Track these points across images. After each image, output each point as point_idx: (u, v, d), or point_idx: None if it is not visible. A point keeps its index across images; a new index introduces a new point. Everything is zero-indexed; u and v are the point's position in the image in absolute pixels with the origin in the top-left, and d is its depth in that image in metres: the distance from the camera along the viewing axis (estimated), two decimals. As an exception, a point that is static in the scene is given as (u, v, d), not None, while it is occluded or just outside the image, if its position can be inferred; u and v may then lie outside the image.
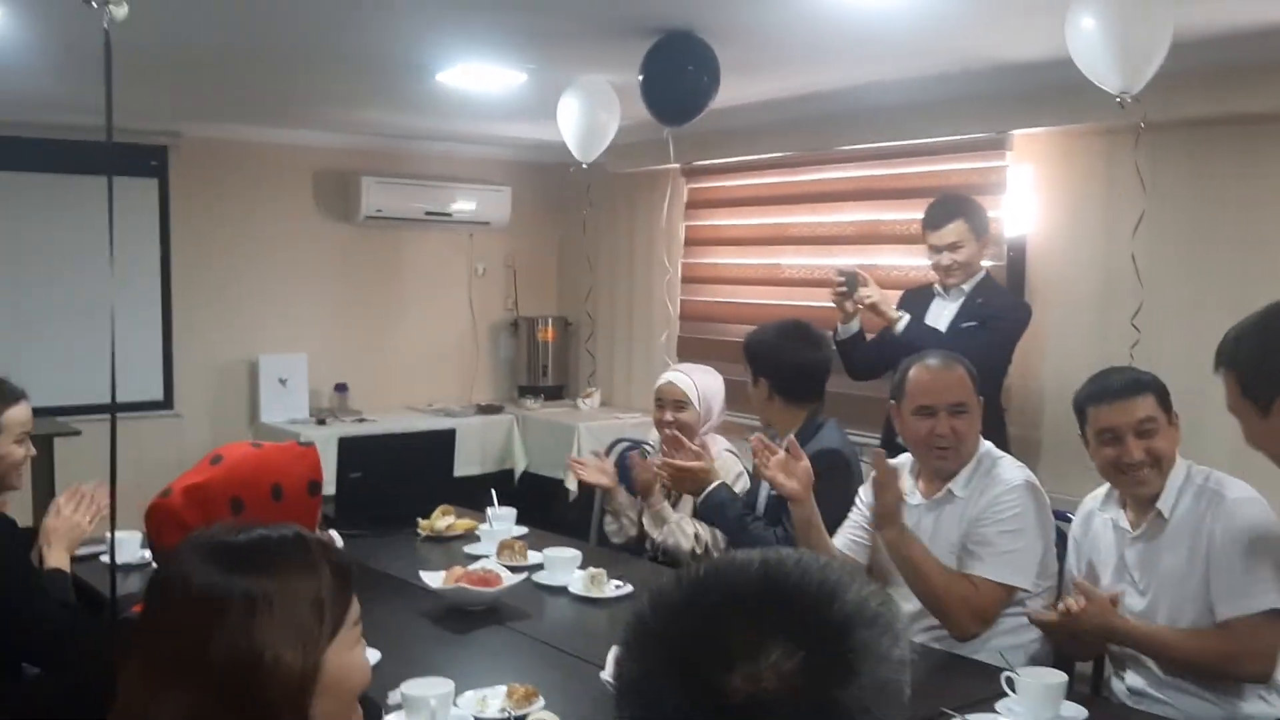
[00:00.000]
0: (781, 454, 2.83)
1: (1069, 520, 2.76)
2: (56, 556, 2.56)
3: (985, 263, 4.19)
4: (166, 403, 6.04)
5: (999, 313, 3.98)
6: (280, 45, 3.90)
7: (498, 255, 6.95)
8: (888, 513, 2.59)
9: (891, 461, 2.94)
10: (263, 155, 6.17)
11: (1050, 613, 2.41)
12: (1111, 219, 4.20)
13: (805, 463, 2.80)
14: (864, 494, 2.91)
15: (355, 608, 1.40)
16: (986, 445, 2.78)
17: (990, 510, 2.62)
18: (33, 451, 2.66)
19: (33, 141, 5.47)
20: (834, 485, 2.99)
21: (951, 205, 4.03)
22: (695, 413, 3.45)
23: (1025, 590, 2.59)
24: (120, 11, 1.63)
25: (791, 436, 3.02)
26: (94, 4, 1.58)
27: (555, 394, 6.82)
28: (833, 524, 2.89)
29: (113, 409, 1.93)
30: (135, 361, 5.90)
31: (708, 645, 0.84)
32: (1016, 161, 4.55)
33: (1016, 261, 4.58)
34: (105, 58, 1.57)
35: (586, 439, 5.95)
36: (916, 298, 4.15)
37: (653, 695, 0.85)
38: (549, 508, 5.86)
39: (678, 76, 3.72)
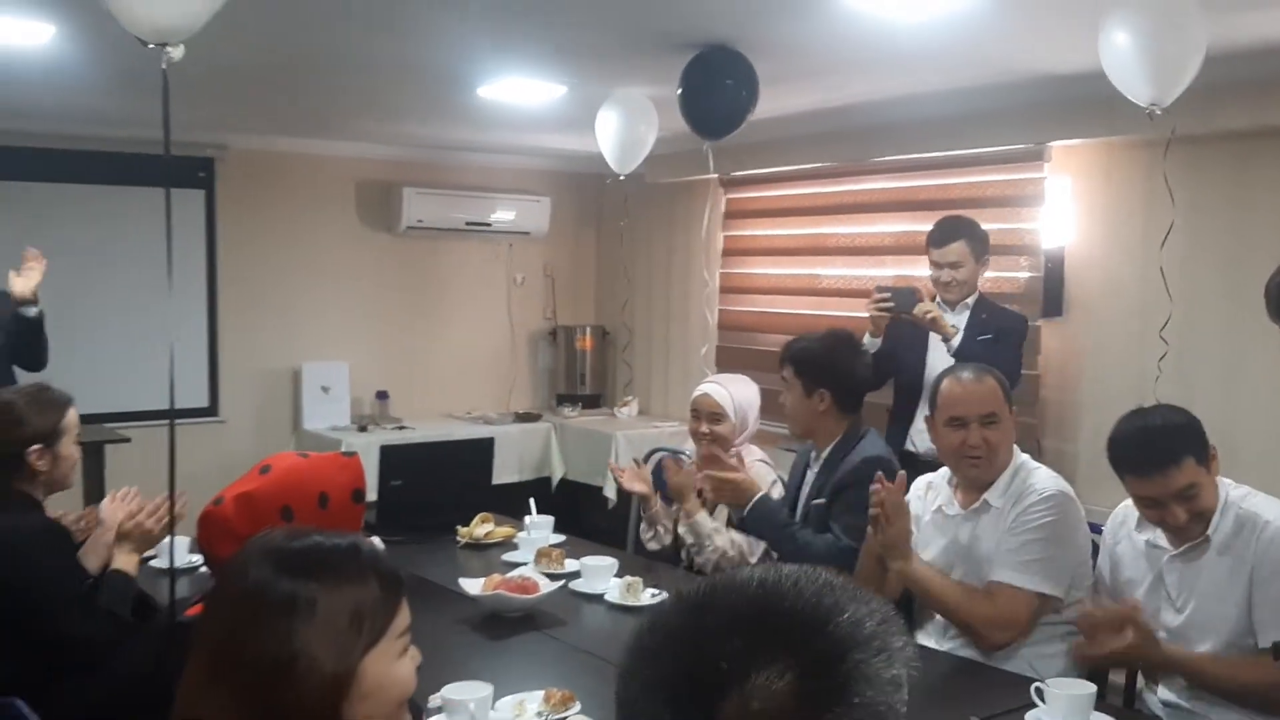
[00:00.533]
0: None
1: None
2: (125, 559, 2.62)
3: (1025, 274, 4.21)
4: (212, 409, 6.15)
5: (1011, 324, 4.08)
6: (325, 59, 3.99)
7: (536, 265, 7.03)
8: (893, 545, 2.62)
9: (929, 476, 2.96)
10: (307, 166, 6.29)
11: (1090, 647, 2.38)
12: (1149, 231, 4.20)
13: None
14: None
15: (403, 620, 1.43)
16: (1023, 457, 2.79)
17: (1022, 518, 2.64)
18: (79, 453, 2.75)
19: (87, 154, 5.60)
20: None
21: (955, 225, 4.13)
22: (731, 424, 3.48)
23: (1057, 598, 2.60)
24: (176, 53, 1.71)
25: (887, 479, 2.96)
26: (151, 46, 1.65)
27: (593, 403, 6.88)
28: None
29: (170, 415, 2.01)
30: (181, 369, 5.94)
31: (701, 666, 0.85)
32: (1054, 173, 4.55)
33: (1054, 273, 4.57)
34: (164, 97, 1.64)
35: (624, 447, 5.99)
36: None
37: (648, 715, 0.86)
38: (586, 515, 5.91)
39: (716, 90, 3.76)
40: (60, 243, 5.34)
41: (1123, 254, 4.39)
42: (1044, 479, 2.72)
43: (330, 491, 1.92)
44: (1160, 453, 2.37)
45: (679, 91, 3.77)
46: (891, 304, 4.05)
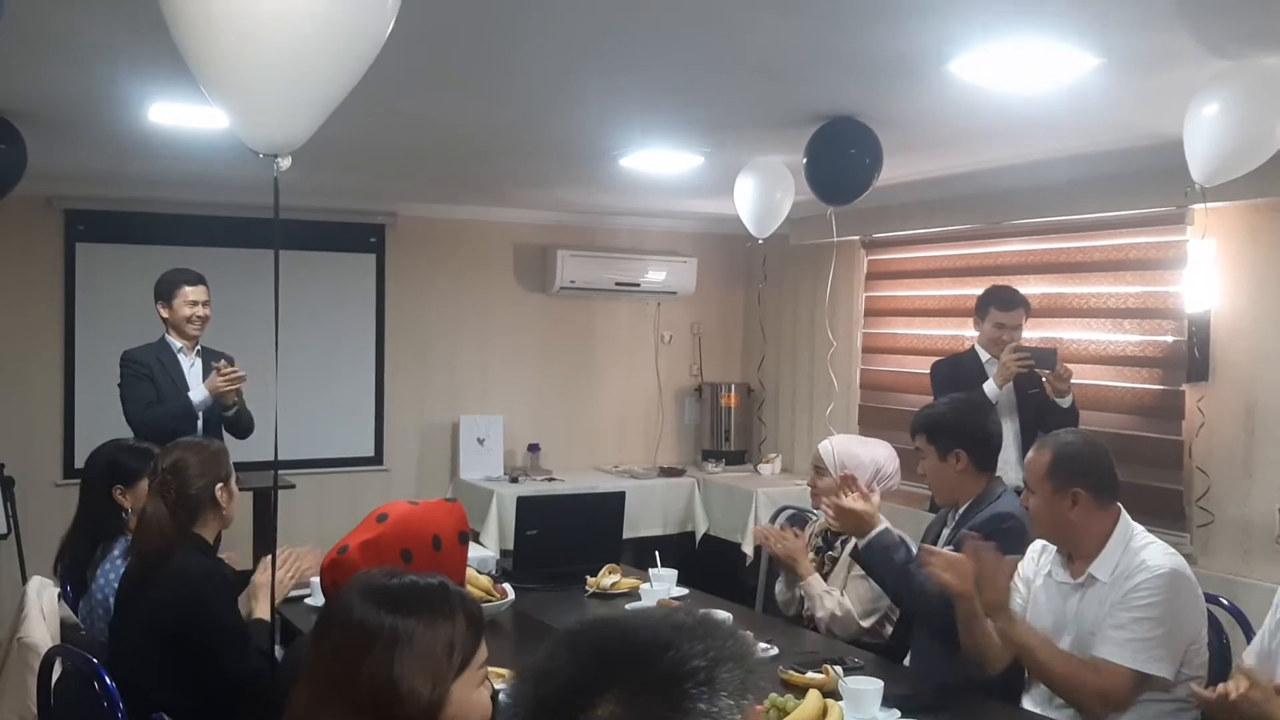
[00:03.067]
0: (946, 553, 2.87)
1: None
2: (262, 609, 2.91)
3: (1169, 338, 4.56)
4: (377, 458, 6.54)
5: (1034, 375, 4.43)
6: (485, 135, 4.31)
7: (683, 323, 7.23)
8: (992, 605, 2.67)
9: (1043, 540, 2.96)
10: (468, 231, 6.68)
11: (1211, 692, 2.37)
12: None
13: (965, 559, 2.81)
14: (1021, 568, 2.95)
15: (483, 652, 1.62)
16: (1134, 530, 2.74)
17: (1131, 595, 2.61)
18: None
19: (264, 222, 6.01)
20: (1010, 548, 3.00)
21: (1019, 294, 4.62)
22: (830, 481, 3.52)
23: (1163, 678, 2.57)
24: (285, 163, 1.97)
25: (968, 533, 3.01)
26: (261, 155, 1.92)
27: (737, 459, 6.99)
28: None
29: (274, 465, 2.24)
30: (351, 420, 6.45)
31: (551, 695, 1.01)
32: (1198, 236, 4.47)
33: (1199, 337, 4.47)
34: (274, 201, 1.90)
35: (764, 504, 6.07)
36: (968, 364, 4.56)
37: None
38: (728, 571, 5.99)
39: (840, 159, 3.87)
40: (238, 302, 5.81)
41: (1272, 317, 4.26)
42: (1157, 556, 2.67)
43: (442, 534, 2.13)
44: None
45: (804, 160, 3.91)
46: (1032, 362, 4.33)
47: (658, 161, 4.65)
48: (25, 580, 3.38)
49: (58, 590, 2.96)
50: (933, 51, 2.95)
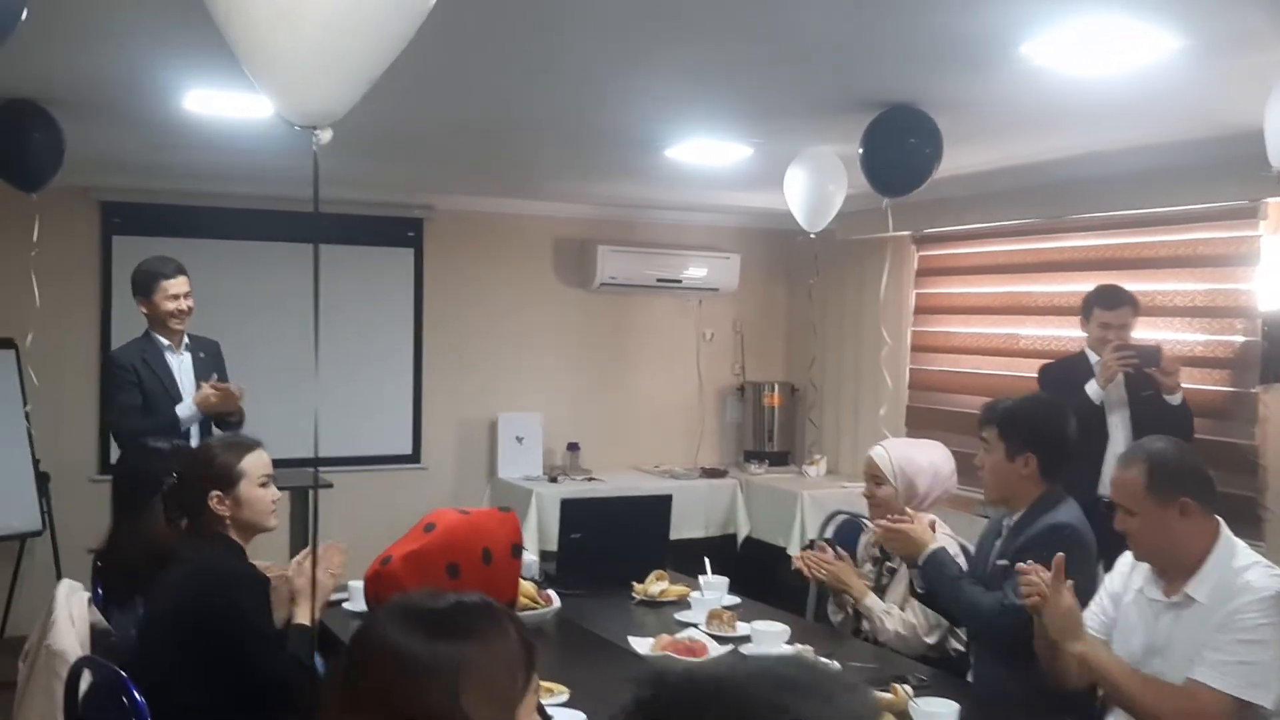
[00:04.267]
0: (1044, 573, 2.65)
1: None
2: (302, 613, 2.76)
3: (1240, 337, 4.35)
4: (414, 456, 6.44)
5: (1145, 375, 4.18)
6: (526, 124, 4.18)
7: (726, 321, 7.07)
8: (1061, 628, 2.52)
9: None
10: (507, 225, 6.56)
11: None
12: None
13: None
14: (1109, 582, 2.78)
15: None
16: (1237, 547, 2.55)
17: (1233, 618, 2.42)
18: (277, 494, 2.82)
19: (302, 215, 5.93)
20: (1068, 558, 2.84)
21: (1123, 291, 4.36)
22: (891, 489, 3.36)
23: (1264, 707, 2.38)
24: (325, 135, 1.81)
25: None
26: (298, 128, 1.78)
27: (780, 460, 6.82)
28: None
29: (315, 462, 2.11)
30: (388, 417, 6.36)
31: None
32: (1271, 231, 4.27)
33: (1273, 336, 4.28)
34: (314, 177, 1.76)
35: (809, 507, 5.92)
36: (1078, 366, 4.31)
37: None
38: (771, 575, 5.83)
39: (899, 148, 3.73)
40: (275, 297, 5.74)
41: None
42: (1261, 577, 2.47)
43: (492, 547, 1.99)
44: None
45: (860, 151, 3.76)
46: (1136, 360, 4.12)
47: (705, 153, 4.51)
48: (59, 577, 3.28)
49: (88, 595, 2.85)
50: (1003, 33, 2.79)
